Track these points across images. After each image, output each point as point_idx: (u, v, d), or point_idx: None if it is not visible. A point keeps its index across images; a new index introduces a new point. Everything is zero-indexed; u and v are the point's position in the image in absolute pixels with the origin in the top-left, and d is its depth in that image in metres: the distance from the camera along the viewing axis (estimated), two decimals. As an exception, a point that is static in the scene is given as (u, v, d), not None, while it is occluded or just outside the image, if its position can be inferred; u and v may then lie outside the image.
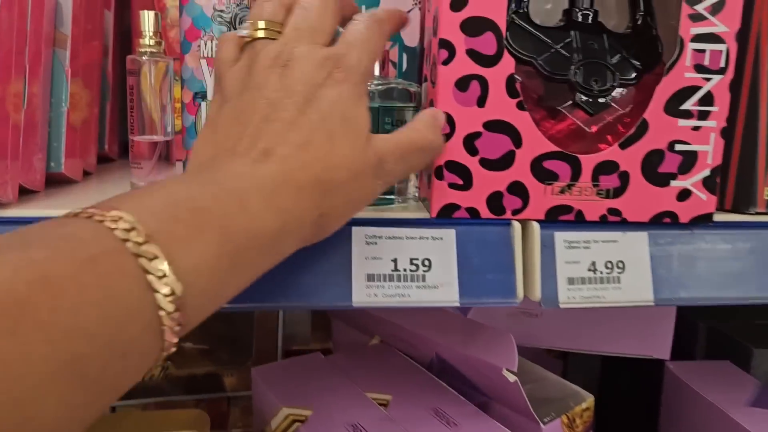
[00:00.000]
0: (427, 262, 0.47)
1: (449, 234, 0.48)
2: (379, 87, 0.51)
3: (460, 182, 0.47)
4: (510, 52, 0.46)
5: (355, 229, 0.47)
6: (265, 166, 0.35)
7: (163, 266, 0.28)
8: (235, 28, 0.58)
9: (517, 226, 0.48)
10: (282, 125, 0.36)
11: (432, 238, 0.47)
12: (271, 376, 0.65)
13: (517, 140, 0.47)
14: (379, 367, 0.64)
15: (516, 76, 0.46)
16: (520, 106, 0.46)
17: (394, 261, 0.47)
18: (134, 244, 0.27)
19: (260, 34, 0.40)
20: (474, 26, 0.45)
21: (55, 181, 0.54)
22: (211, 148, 0.38)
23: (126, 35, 0.71)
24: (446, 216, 0.48)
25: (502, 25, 0.45)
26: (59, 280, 0.24)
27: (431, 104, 0.48)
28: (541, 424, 0.55)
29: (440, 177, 0.47)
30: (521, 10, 0.47)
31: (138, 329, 0.27)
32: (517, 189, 0.48)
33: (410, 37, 0.51)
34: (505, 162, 0.47)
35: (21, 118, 0.47)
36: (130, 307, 0.27)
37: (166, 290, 0.28)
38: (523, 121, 0.47)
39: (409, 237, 0.47)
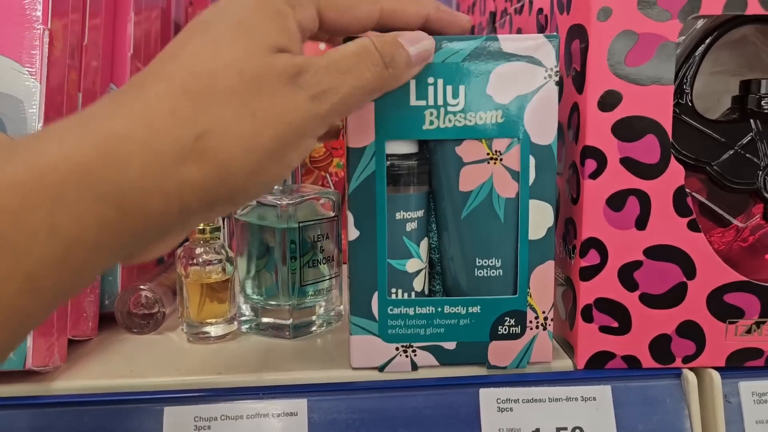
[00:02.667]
0: (578, 431, 0.36)
1: (604, 392, 0.37)
2: (294, 202, 0.42)
3: (615, 324, 0.37)
4: (677, 158, 0.35)
5: (483, 392, 0.36)
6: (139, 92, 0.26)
7: None
8: None
9: (691, 377, 0.37)
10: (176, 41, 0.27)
11: (582, 398, 0.37)
12: None
13: (690, 270, 0.36)
14: None
15: (686, 189, 0.35)
16: (693, 227, 0.36)
17: (537, 433, 0.36)
18: None
19: None
20: (631, 129, 0.35)
21: (110, 318, 0.45)
22: None
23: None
24: (598, 367, 0.37)
25: (668, 125, 0.35)
26: None
27: (571, 224, 0.38)
28: None
29: (588, 318, 0.37)
30: (684, 102, 0.37)
31: None
32: (690, 330, 0.37)
33: (539, 128, 0.35)
34: (674, 297, 0.36)
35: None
36: None
37: None
38: (696, 245, 0.36)
39: (553, 399, 0.37)
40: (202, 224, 0.42)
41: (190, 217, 0.26)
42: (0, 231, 0.22)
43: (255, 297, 0.44)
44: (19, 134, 0.36)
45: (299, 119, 0.27)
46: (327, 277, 0.44)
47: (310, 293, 0.44)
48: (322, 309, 0.45)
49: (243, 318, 0.44)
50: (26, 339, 0.35)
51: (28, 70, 0.37)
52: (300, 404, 0.35)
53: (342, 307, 0.46)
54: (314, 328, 0.44)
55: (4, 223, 0.22)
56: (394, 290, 0.37)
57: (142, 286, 0.43)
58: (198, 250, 0.42)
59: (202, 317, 0.42)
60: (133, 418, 0.35)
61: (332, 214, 0.44)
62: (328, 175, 0.62)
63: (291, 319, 0.43)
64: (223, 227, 0.47)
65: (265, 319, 0.44)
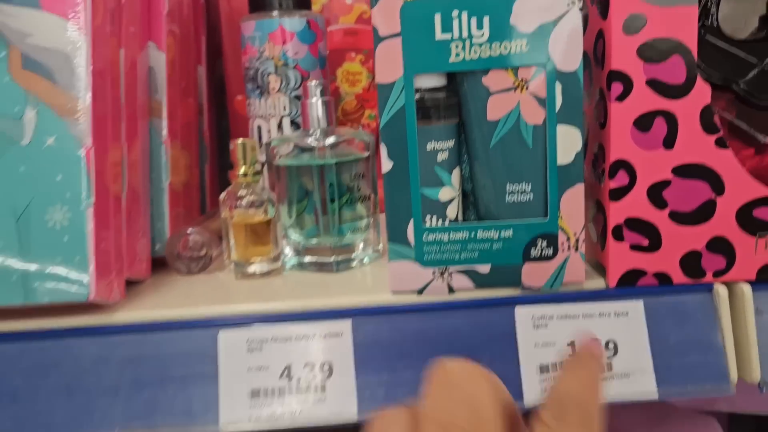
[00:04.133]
0: (612, 345, 0.38)
1: (636, 307, 0.38)
2: (331, 142, 0.44)
3: (646, 243, 0.38)
4: (704, 78, 0.36)
5: (518, 310, 0.38)
6: None
7: None
8: (256, 81, 0.53)
9: (722, 291, 0.38)
10: None
11: (615, 314, 0.38)
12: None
13: (718, 186, 0.37)
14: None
15: (713, 107, 0.36)
16: (720, 144, 0.36)
17: (571, 346, 0.38)
18: None
19: None
20: (656, 50, 0.36)
21: (161, 264, 0.48)
22: None
23: (220, 88, 0.66)
24: (629, 284, 0.39)
25: (693, 46, 0.36)
26: None
27: (600, 150, 0.39)
28: None
29: (619, 237, 0.38)
30: (709, 23, 0.38)
31: None
32: (720, 246, 0.38)
33: (564, 56, 0.36)
34: (703, 214, 0.37)
35: (123, 214, 0.42)
36: None
37: None
38: (724, 161, 0.37)
39: (587, 315, 0.38)
40: (243, 168, 0.44)
41: None
42: None
43: (297, 238, 0.46)
44: (69, 84, 0.38)
45: None
46: (365, 216, 0.46)
47: (349, 232, 0.46)
48: (361, 248, 0.46)
49: (286, 259, 0.47)
50: (88, 275, 0.38)
51: (73, 25, 0.39)
52: (345, 325, 0.38)
53: (380, 246, 0.48)
54: (355, 263, 0.46)
55: None
56: (428, 218, 0.38)
57: (189, 230, 0.46)
58: (241, 192, 0.44)
59: (247, 256, 0.45)
60: (189, 342, 0.38)
61: (367, 154, 0.46)
62: (360, 127, 0.64)
63: (333, 257, 0.45)
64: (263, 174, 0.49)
65: (308, 259, 0.46)
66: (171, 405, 0.37)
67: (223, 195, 0.45)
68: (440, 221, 0.39)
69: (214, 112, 0.65)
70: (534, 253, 0.38)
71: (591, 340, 0.32)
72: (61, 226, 0.38)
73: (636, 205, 0.37)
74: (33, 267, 0.37)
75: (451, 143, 0.38)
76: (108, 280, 0.40)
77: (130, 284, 0.44)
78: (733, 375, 0.38)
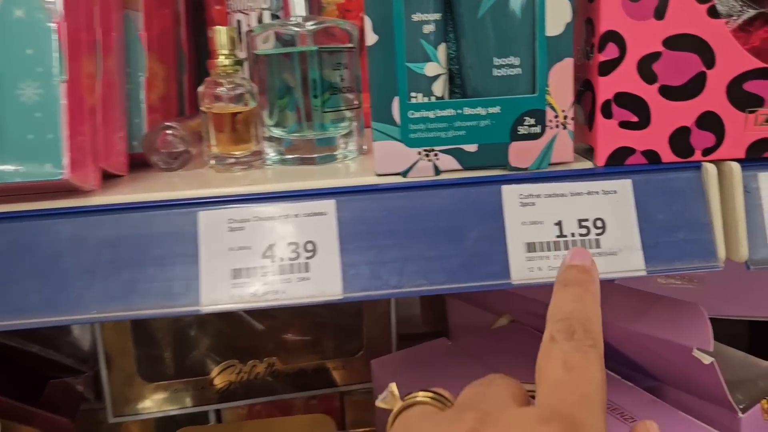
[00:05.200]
0: (600, 223, 0.37)
1: (624, 185, 0.38)
2: (313, 28, 0.42)
3: (635, 119, 0.37)
4: (696, -58, 0.35)
5: (505, 189, 0.37)
6: None
7: None
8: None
9: (711, 168, 0.38)
10: None
11: (603, 192, 0.38)
12: (394, 367, 0.57)
13: (709, 58, 0.36)
14: (517, 351, 0.55)
15: (705, -27, 0.35)
16: (712, 13, 0.36)
17: (559, 225, 0.37)
18: None
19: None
20: None
21: (139, 164, 0.47)
22: None
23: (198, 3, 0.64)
24: (618, 163, 0.38)
25: None
26: None
27: (589, 23, 0.38)
28: (739, 413, 0.45)
29: (608, 114, 0.37)
30: None
31: None
32: (709, 122, 0.37)
33: None
34: (693, 88, 0.37)
35: (97, 100, 0.40)
36: None
37: None
38: (716, 32, 0.36)
39: (575, 193, 0.38)
40: (223, 56, 0.43)
41: None
42: None
43: (279, 135, 0.45)
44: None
45: None
46: (349, 113, 0.45)
47: (332, 128, 0.44)
48: (344, 146, 0.45)
49: (268, 156, 0.45)
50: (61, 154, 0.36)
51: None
52: (329, 205, 0.37)
53: (365, 146, 0.47)
54: (338, 158, 0.45)
55: None
56: (414, 94, 0.37)
57: (167, 124, 0.44)
58: (221, 82, 0.43)
59: (228, 149, 0.43)
60: (169, 223, 0.37)
61: (351, 45, 0.44)
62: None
63: (316, 154, 0.44)
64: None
65: (290, 156, 0.45)
66: (150, 286, 0.36)
67: (201, 87, 0.44)
68: (426, 98, 0.38)
69: (193, 24, 0.63)
70: (522, 130, 0.37)
71: (580, 251, 0.32)
72: (32, 102, 0.36)
73: (626, 79, 0.37)
74: (4, 146, 0.36)
75: (437, 16, 0.37)
76: (83, 165, 0.38)
77: (109, 177, 0.43)
78: (721, 253, 0.37)
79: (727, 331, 0.59)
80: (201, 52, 0.63)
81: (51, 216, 0.37)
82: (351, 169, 0.42)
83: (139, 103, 0.46)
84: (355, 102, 0.45)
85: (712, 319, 0.44)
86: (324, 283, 0.36)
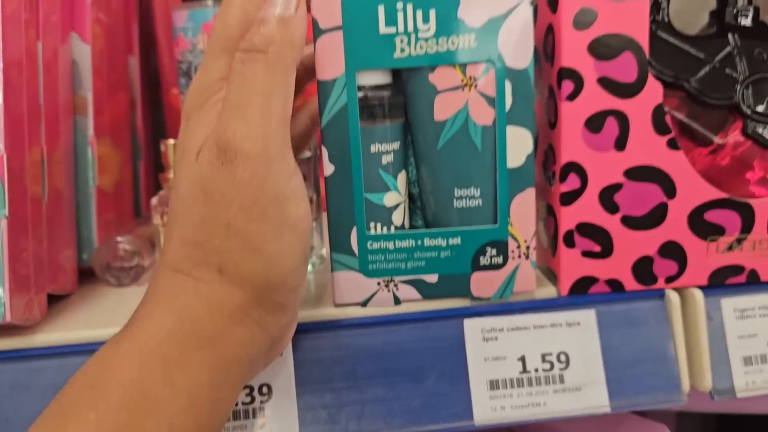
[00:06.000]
0: (563, 357, 0.37)
1: (588, 316, 0.37)
2: None
3: (597, 248, 0.37)
4: (655, 76, 0.35)
5: (467, 323, 0.36)
6: None
7: None
8: (190, 75, 0.50)
9: (674, 297, 0.37)
10: None
11: (567, 324, 0.37)
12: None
13: (670, 189, 0.36)
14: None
15: (665, 107, 0.35)
16: (672, 145, 0.35)
17: (522, 360, 0.36)
18: None
19: None
20: (607, 47, 0.34)
21: (89, 274, 0.45)
22: None
23: (154, 81, 0.62)
24: (581, 292, 0.37)
25: (644, 42, 0.34)
26: None
27: (550, 150, 0.37)
28: None
29: (571, 244, 0.37)
30: (660, 18, 0.36)
31: None
32: (672, 251, 0.37)
33: (514, 52, 0.34)
34: (654, 218, 0.36)
35: (43, 224, 0.38)
36: None
37: None
38: (676, 163, 0.35)
39: (538, 326, 0.37)
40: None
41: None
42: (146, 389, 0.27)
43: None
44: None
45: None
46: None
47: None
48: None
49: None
50: (2, 293, 0.34)
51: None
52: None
53: (324, 251, 0.46)
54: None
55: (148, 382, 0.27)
56: (372, 225, 0.36)
57: (119, 239, 0.43)
58: (173, 198, 0.41)
59: (181, 266, 0.42)
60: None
61: (308, 154, 0.43)
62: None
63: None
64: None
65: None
66: None
67: (154, 200, 0.42)
68: (385, 228, 0.36)
69: (149, 106, 0.61)
70: (483, 261, 0.36)
71: None
72: (-32, 240, 0.34)
73: (588, 209, 0.36)
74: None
75: (396, 145, 0.36)
76: (27, 298, 0.36)
77: (55, 299, 0.41)
78: (685, 384, 0.37)
79: (697, 425, 0.59)
80: (159, 135, 0.62)
81: (-12, 361, 0.35)
82: (310, 291, 0.41)
83: (90, 214, 0.44)
84: (315, 213, 0.44)
85: (681, 414, 0.44)
86: (280, 429, 0.35)
